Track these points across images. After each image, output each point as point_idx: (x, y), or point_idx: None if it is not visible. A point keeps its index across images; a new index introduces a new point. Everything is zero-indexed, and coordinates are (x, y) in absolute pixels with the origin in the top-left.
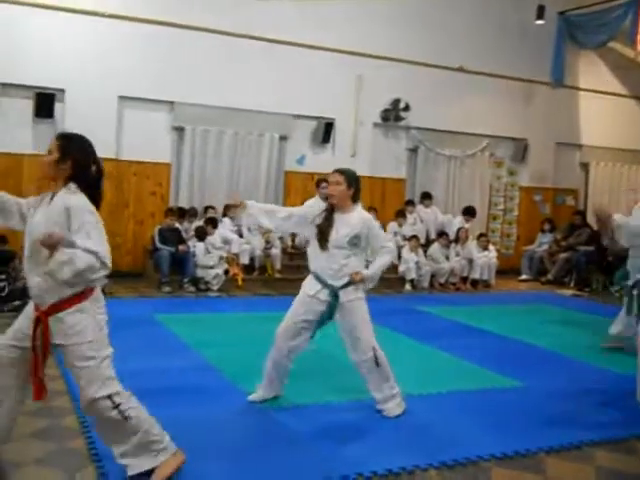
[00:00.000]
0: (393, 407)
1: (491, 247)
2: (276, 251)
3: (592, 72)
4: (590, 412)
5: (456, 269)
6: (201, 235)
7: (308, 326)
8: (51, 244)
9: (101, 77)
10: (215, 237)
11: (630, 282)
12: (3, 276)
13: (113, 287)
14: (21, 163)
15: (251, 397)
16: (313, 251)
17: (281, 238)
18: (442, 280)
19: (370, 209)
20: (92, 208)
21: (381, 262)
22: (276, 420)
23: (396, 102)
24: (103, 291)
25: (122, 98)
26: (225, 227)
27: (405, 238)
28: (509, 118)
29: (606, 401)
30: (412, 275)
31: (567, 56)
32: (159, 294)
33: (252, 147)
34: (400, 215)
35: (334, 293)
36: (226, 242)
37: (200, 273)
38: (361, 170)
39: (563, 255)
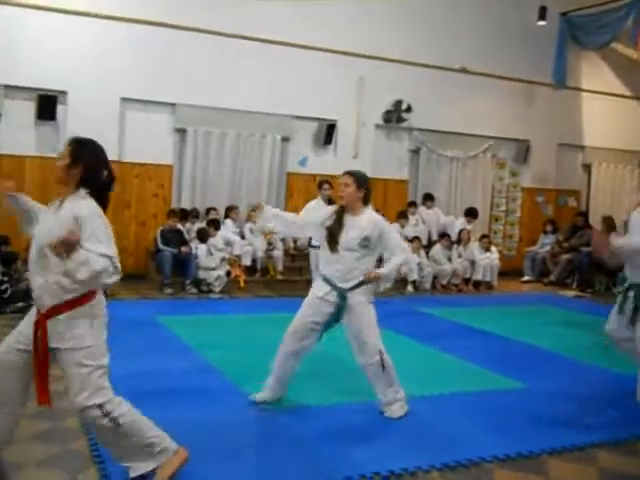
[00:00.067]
0: (396, 409)
1: (493, 248)
2: (278, 253)
3: (594, 73)
4: (593, 413)
5: (458, 270)
6: (203, 237)
7: (316, 327)
8: (70, 243)
9: (103, 79)
10: (217, 239)
11: (626, 284)
12: (6, 278)
13: (115, 288)
14: (23, 165)
15: (255, 397)
16: (323, 253)
17: (283, 240)
18: (444, 281)
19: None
20: (100, 212)
21: (396, 261)
22: (279, 421)
23: (398, 103)
24: (105, 293)
25: (124, 100)
26: (227, 229)
27: (407, 239)
28: (511, 119)
29: (608, 402)
30: (414, 276)
31: (569, 57)
32: (161, 296)
33: (254, 149)
34: (402, 216)
35: (342, 295)
36: (228, 244)
37: (202, 275)
38: (363, 171)
39: (565, 256)
